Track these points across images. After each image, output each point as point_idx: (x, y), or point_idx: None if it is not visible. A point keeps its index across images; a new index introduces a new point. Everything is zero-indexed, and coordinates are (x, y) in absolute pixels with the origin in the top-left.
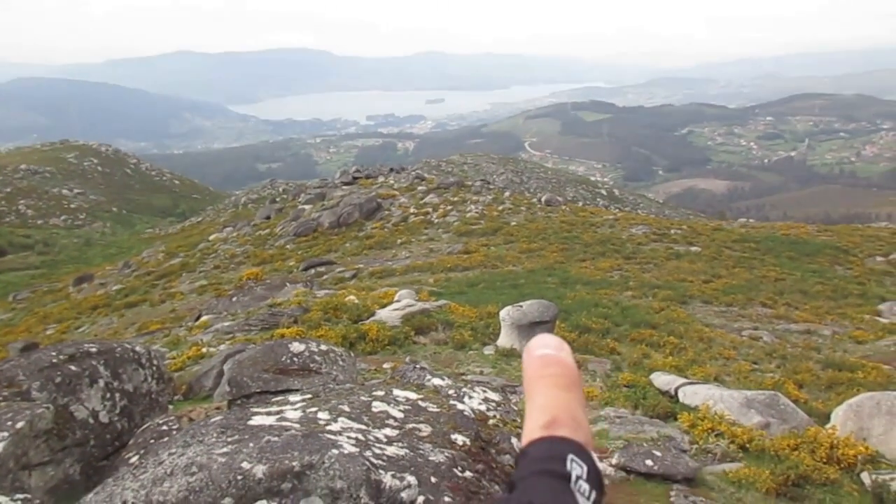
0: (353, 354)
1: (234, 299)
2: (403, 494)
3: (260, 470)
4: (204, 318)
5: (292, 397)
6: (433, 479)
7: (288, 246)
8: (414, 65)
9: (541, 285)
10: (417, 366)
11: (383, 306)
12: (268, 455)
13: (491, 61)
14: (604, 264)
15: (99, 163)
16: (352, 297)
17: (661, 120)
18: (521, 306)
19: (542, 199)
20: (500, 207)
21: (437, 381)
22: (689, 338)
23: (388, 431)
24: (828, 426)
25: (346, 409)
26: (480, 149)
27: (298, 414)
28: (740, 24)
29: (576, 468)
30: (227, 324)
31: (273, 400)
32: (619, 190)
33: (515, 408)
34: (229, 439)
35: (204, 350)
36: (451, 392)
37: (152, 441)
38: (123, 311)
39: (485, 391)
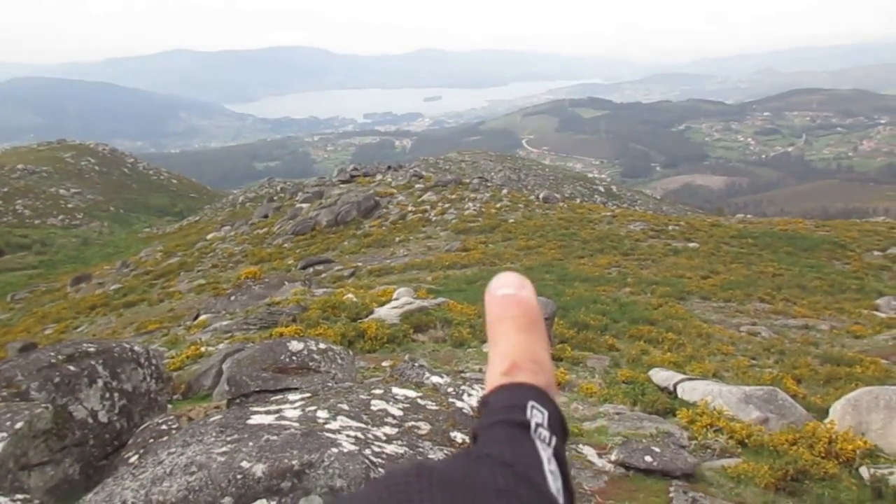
0: (351, 353)
1: (233, 298)
2: None
3: (259, 469)
4: (202, 317)
5: (291, 396)
6: None
7: (286, 244)
8: (411, 62)
9: (539, 282)
10: (416, 364)
11: (382, 304)
12: (267, 454)
13: (488, 58)
14: (602, 261)
15: (96, 162)
16: (350, 295)
17: (659, 116)
18: None
19: (540, 197)
20: (498, 205)
21: (435, 379)
22: (687, 334)
23: (387, 429)
24: (826, 421)
25: (345, 407)
26: (478, 146)
27: (297, 413)
28: (737, 20)
29: (536, 415)
30: (225, 323)
31: (272, 399)
32: (616, 186)
33: None
34: (228, 438)
35: (203, 349)
36: (449, 390)
37: (151, 440)
38: (122, 311)
39: (483, 389)
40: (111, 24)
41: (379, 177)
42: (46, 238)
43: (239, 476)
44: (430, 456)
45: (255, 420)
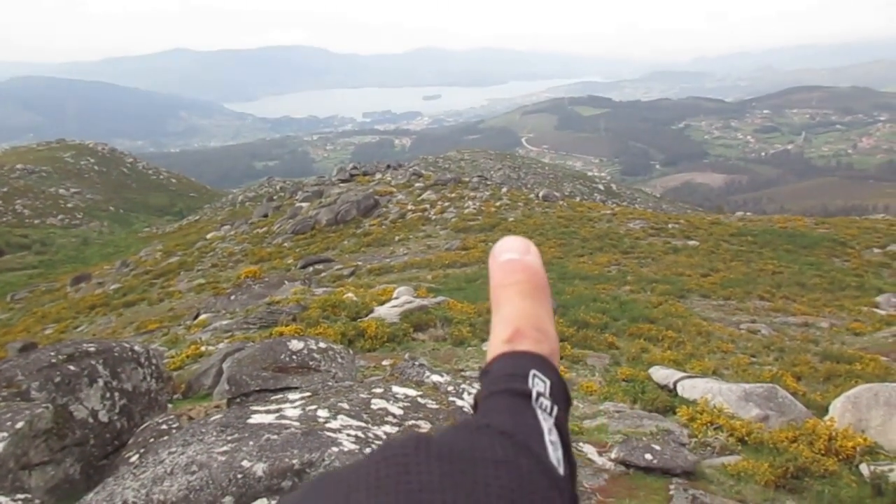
0: (351, 352)
1: (233, 297)
2: None
3: (260, 468)
4: (202, 316)
5: (291, 395)
6: None
7: (286, 244)
8: (411, 61)
9: None
10: (416, 362)
11: (382, 303)
12: (268, 453)
13: (488, 57)
14: (602, 259)
15: (95, 162)
16: (350, 294)
17: (658, 114)
18: None
19: (540, 195)
20: (498, 203)
21: (436, 378)
22: (687, 332)
23: (387, 428)
24: (826, 418)
25: (346, 406)
26: (477, 145)
27: (298, 412)
28: (737, 19)
29: (538, 384)
30: (225, 322)
31: (272, 398)
32: (616, 184)
33: None
34: (229, 438)
35: (203, 348)
36: (450, 388)
37: (152, 440)
38: (122, 311)
39: None
40: (110, 23)
41: (378, 176)
42: (46, 238)
43: (240, 475)
44: None
45: (256, 419)
